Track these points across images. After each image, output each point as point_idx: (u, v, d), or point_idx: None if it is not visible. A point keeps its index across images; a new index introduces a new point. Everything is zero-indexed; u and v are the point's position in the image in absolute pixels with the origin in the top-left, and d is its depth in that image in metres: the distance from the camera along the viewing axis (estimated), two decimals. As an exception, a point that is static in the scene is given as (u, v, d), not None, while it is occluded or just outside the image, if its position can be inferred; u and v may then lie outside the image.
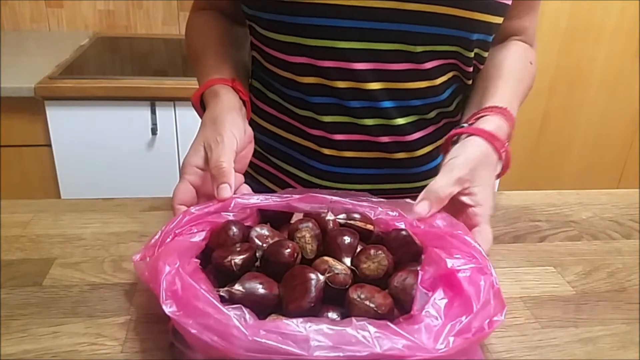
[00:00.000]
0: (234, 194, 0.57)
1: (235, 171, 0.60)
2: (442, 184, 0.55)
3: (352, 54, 0.65)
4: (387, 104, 0.68)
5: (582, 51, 1.99)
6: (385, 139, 0.70)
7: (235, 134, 0.60)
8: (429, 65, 0.66)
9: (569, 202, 0.79)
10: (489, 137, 0.59)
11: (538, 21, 0.78)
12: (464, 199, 0.56)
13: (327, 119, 0.70)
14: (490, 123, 0.61)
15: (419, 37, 0.63)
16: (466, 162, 0.57)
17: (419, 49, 0.64)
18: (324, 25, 0.63)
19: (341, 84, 0.67)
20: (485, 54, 0.69)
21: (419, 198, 0.55)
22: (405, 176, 0.74)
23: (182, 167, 0.60)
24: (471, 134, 0.60)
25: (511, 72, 0.70)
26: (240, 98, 0.69)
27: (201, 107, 0.69)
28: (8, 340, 0.48)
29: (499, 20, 0.65)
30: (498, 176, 0.62)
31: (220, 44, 0.75)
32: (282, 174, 0.78)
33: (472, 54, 0.67)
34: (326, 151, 0.72)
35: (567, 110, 2.09)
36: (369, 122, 0.69)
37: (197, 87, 0.72)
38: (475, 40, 0.65)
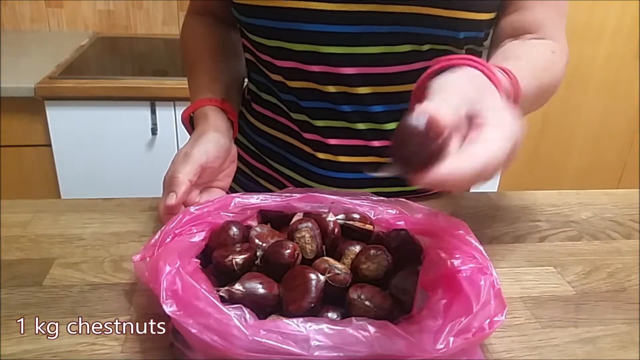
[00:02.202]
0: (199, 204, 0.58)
1: (219, 188, 0.67)
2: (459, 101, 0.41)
3: (338, 58, 0.64)
4: (378, 108, 0.68)
5: (582, 51, 1.99)
6: (377, 144, 0.70)
7: (208, 152, 0.63)
8: (418, 65, 0.65)
9: (569, 202, 0.79)
10: (481, 65, 0.47)
11: (563, 18, 0.67)
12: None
13: (321, 123, 0.70)
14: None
15: (403, 37, 0.63)
16: (463, 85, 0.44)
17: (405, 48, 0.64)
18: (308, 31, 0.63)
19: (331, 89, 0.67)
20: (480, 49, 0.68)
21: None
22: (402, 180, 0.74)
23: (163, 181, 0.62)
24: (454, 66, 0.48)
25: (522, 55, 0.61)
26: (229, 119, 0.71)
27: (190, 124, 0.72)
28: (8, 340, 0.48)
29: (487, 16, 0.64)
30: None
31: (213, 59, 0.76)
32: (279, 176, 0.78)
33: (463, 51, 0.65)
34: (321, 155, 0.71)
35: (567, 110, 2.09)
36: (361, 126, 0.69)
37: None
38: (463, 38, 0.63)
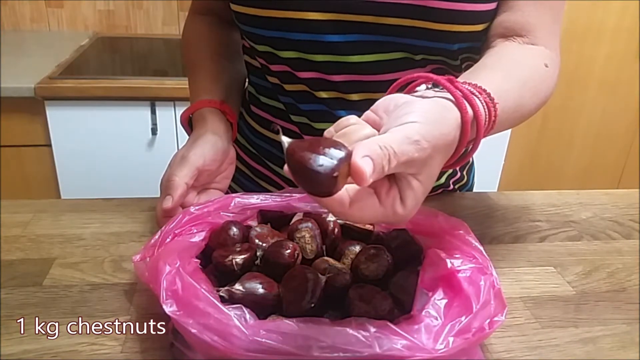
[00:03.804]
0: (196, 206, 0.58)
1: (217, 189, 0.67)
2: (399, 151, 0.38)
3: (328, 66, 0.64)
4: None
5: (582, 51, 1.99)
6: None
7: (205, 154, 0.63)
8: (412, 72, 0.63)
9: (569, 202, 0.79)
10: (456, 92, 0.44)
11: (558, 23, 0.63)
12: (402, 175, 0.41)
13: (321, 126, 0.69)
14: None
15: (396, 47, 0.62)
16: (432, 139, 0.40)
17: (397, 55, 0.63)
18: (297, 40, 0.63)
19: (324, 94, 0.66)
20: (477, 57, 0.64)
21: (359, 152, 0.36)
22: None
23: (160, 183, 0.62)
24: (440, 85, 0.46)
25: (506, 64, 0.58)
26: (228, 120, 0.70)
27: (189, 126, 0.71)
28: (8, 340, 0.48)
29: (482, 27, 0.61)
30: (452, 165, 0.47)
31: (214, 59, 0.76)
32: (279, 179, 0.77)
33: (457, 62, 0.64)
34: None
35: (567, 110, 2.09)
36: None
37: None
38: (457, 49, 0.62)
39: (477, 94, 0.46)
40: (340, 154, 0.36)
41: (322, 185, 0.35)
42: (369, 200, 0.40)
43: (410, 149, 0.38)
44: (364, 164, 0.35)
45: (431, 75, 0.47)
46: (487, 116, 0.46)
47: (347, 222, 0.56)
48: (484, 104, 0.46)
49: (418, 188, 0.41)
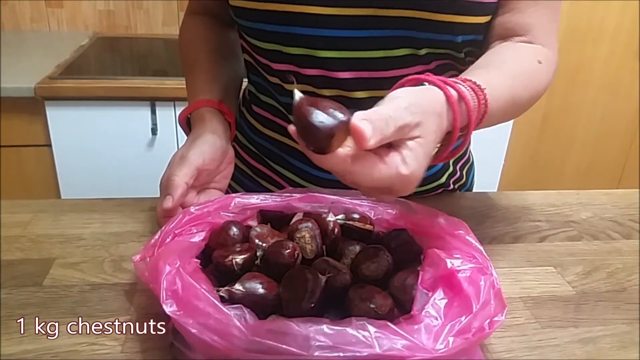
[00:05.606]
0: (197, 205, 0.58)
1: (217, 189, 0.67)
2: (395, 115, 0.42)
3: (334, 63, 0.64)
4: None
5: (582, 51, 1.99)
6: None
7: (204, 154, 0.63)
8: (415, 69, 0.65)
9: (569, 202, 0.79)
10: (445, 87, 0.48)
11: (555, 22, 0.66)
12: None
13: None
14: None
15: (401, 41, 0.62)
16: (419, 105, 0.45)
17: (403, 52, 0.63)
18: (304, 35, 0.63)
19: (327, 93, 0.66)
20: (480, 52, 0.66)
21: (359, 116, 0.39)
22: None
23: (160, 183, 0.62)
24: (425, 82, 0.49)
25: (496, 61, 0.60)
26: (226, 120, 0.71)
27: (188, 126, 0.71)
28: (8, 341, 0.48)
29: (484, 19, 0.63)
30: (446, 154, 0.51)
31: (211, 59, 0.76)
32: (279, 177, 0.77)
33: (462, 55, 0.65)
34: None
35: (567, 110, 2.09)
36: None
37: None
38: (461, 42, 0.63)
39: (460, 82, 0.50)
40: (341, 116, 0.39)
41: (318, 140, 0.38)
42: (371, 158, 0.42)
43: (403, 114, 0.42)
44: (364, 125, 0.38)
45: (419, 76, 0.50)
46: (476, 99, 0.50)
47: (348, 222, 0.56)
48: (469, 88, 0.50)
49: (417, 149, 0.43)
